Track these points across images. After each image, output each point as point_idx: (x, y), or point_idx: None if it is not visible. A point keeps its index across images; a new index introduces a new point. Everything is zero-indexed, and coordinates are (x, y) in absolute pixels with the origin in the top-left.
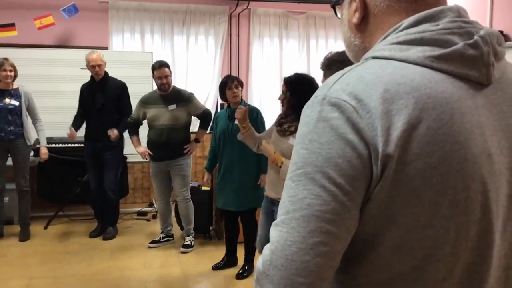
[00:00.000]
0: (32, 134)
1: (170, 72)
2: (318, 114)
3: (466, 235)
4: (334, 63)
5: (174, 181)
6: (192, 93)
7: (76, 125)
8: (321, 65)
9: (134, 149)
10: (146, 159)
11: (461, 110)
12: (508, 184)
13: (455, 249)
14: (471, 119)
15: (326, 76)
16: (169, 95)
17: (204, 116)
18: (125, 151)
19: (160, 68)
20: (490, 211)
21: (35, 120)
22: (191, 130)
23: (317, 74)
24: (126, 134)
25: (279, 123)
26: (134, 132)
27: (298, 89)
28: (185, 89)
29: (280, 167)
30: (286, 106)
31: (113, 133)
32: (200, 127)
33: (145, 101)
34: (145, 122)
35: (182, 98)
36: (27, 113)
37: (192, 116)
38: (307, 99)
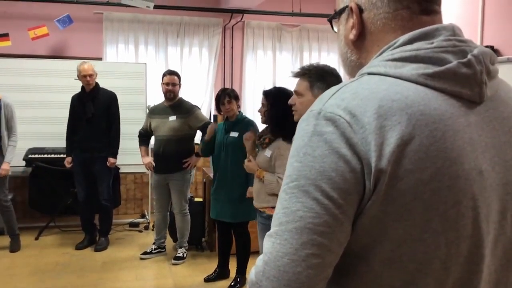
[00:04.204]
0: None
1: (180, 83)
2: (313, 128)
3: (457, 250)
4: (329, 74)
5: (172, 195)
6: (195, 106)
7: (71, 150)
8: (309, 75)
9: (127, 160)
10: (150, 170)
11: (453, 127)
12: (499, 200)
13: (446, 264)
14: (463, 136)
15: (320, 88)
16: (173, 105)
17: (206, 129)
18: (117, 162)
19: (170, 75)
20: (481, 227)
21: (10, 134)
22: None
23: None
24: None
25: (259, 136)
26: (143, 142)
27: (277, 102)
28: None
29: (263, 181)
30: (266, 118)
31: (109, 163)
32: (201, 140)
33: (152, 111)
34: None
35: (183, 110)
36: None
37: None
38: (284, 110)
